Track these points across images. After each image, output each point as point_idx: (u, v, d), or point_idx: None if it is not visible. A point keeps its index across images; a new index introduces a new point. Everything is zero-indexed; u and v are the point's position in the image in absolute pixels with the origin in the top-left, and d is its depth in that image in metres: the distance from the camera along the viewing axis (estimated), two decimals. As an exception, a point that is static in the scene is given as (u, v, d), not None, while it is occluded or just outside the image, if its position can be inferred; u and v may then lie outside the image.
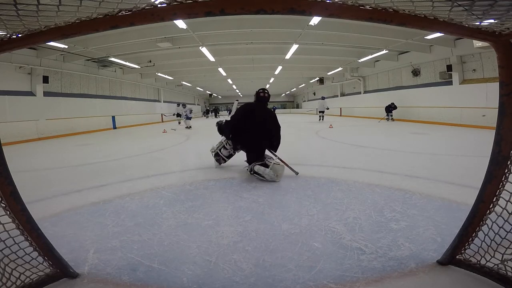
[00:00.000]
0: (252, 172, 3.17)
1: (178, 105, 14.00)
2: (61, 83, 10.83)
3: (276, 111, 36.79)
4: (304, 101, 32.95)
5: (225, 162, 3.73)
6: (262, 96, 3.42)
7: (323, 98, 14.42)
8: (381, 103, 13.92)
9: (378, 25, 7.44)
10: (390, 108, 12.65)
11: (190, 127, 12.16)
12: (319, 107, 14.30)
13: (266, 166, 3.05)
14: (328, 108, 14.58)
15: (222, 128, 3.55)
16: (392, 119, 12.78)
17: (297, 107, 37.33)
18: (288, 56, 11.49)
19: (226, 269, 1.43)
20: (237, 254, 1.57)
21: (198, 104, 32.20)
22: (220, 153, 3.64)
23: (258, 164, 3.10)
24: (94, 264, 1.50)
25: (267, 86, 26.80)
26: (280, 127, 3.47)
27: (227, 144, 3.57)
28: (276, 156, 3.38)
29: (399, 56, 12.75)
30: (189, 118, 12.48)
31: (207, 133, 9.83)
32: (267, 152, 3.38)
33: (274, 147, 3.42)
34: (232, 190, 2.79)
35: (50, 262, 1.31)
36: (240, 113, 3.41)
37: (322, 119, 14.19)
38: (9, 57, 8.37)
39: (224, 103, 37.64)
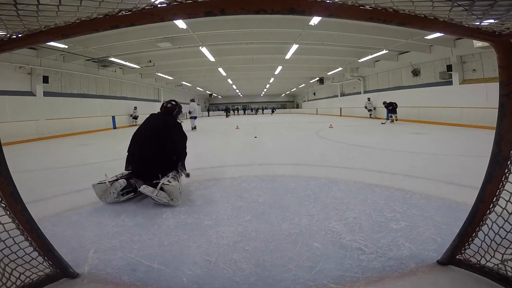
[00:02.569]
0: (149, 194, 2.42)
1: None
2: (61, 83, 10.83)
3: (276, 111, 36.88)
4: (304, 101, 32.95)
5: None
6: (165, 107, 2.91)
7: (369, 99, 15.85)
8: (381, 103, 13.88)
9: (378, 25, 7.41)
10: (390, 107, 11.49)
11: (195, 127, 11.05)
12: (368, 106, 15.87)
13: (155, 186, 2.40)
14: (370, 108, 15.78)
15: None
16: (395, 120, 11.62)
17: (297, 107, 37.34)
18: (288, 56, 11.48)
19: (226, 269, 1.43)
20: (237, 254, 1.57)
21: (198, 104, 32.22)
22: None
23: (146, 184, 2.44)
24: (94, 264, 1.50)
25: (267, 86, 26.88)
26: (181, 136, 2.81)
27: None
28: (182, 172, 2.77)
29: (399, 56, 12.75)
30: (194, 118, 11.36)
31: (207, 133, 9.83)
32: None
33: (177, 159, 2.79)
34: (232, 190, 2.80)
35: (50, 262, 1.31)
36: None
37: (371, 116, 15.64)
38: (9, 57, 8.37)
39: (224, 103, 37.63)
